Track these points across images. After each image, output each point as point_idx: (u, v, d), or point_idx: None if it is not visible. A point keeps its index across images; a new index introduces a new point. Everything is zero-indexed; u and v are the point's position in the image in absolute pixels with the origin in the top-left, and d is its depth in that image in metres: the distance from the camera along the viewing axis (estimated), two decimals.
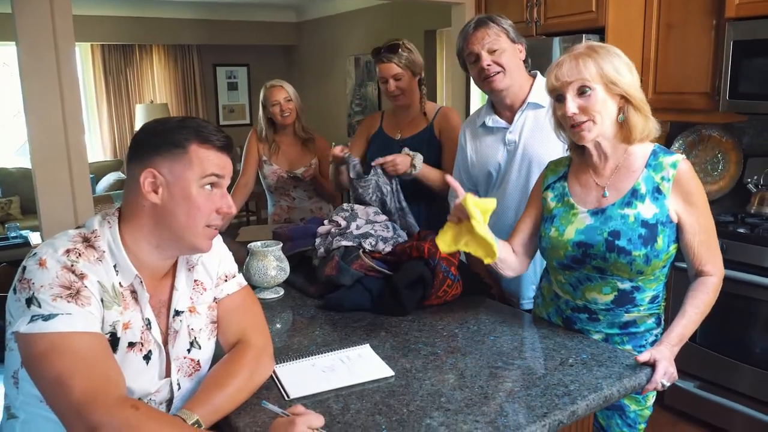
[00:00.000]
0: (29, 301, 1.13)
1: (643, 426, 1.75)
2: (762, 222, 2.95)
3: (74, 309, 1.14)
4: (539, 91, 2.07)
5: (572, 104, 1.55)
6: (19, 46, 3.27)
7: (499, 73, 2.04)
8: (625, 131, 1.60)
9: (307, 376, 1.49)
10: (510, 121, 2.13)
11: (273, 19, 7.96)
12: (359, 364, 1.54)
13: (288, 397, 1.39)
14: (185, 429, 1.15)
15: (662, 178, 1.59)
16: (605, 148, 1.63)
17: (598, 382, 1.44)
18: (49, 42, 3.27)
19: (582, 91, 1.54)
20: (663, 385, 1.50)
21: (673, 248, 1.62)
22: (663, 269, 1.65)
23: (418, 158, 2.44)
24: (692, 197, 1.59)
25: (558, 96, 1.59)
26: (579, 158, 1.71)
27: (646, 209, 1.59)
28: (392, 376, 1.48)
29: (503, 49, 2.03)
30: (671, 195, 1.59)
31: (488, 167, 2.19)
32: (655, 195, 1.59)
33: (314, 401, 1.37)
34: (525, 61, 2.14)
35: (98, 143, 7.74)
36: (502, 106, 2.15)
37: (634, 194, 1.61)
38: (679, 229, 1.61)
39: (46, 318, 1.12)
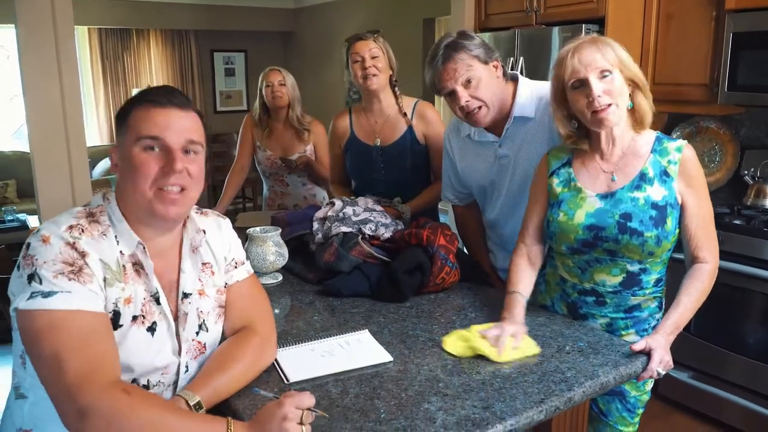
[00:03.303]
0: (31, 277, 1.14)
1: (641, 410, 1.77)
2: (758, 214, 2.97)
3: (75, 287, 1.15)
4: (524, 102, 1.98)
5: (598, 86, 1.56)
6: (18, 28, 3.26)
7: (480, 107, 1.91)
8: (635, 117, 1.64)
9: (307, 360, 1.50)
10: (498, 134, 2.03)
11: (271, 5, 7.92)
12: (358, 349, 1.55)
13: (288, 380, 1.41)
14: (177, 412, 1.14)
15: (669, 162, 1.63)
16: (615, 133, 1.65)
17: (595, 369, 1.45)
18: (48, 24, 3.26)
19: (604, 75, 1.57)
20: (658, 373, 1.52)
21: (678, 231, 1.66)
22: (669, 252, 1.67)
23: (406, 213, 2.44)
24: (695, 181, 1.63)
25: (576, 82, 1.59)
26: (587, 148, 1.72)
27: (656, 192, 1.62)
28: (390, 362, 1.49)
29: (479, 78, 1.88)
30: (677, 177, 1.62)
31: (481, 181, 2.12)
32: (663, 178, 1.63)
33: (313, 385, 1.38)
34: (504, 73, 1.99)
35: (95, 128, 7.70)
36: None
37: (642, 178, 1.64)
38: (680, 211, 1.64)
39: (46, 295, 1.12)
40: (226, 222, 1.50)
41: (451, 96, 1.91)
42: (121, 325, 1.23)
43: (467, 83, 1.88)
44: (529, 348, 1.55)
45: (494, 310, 1.81)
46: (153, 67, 7.91)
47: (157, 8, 7.32)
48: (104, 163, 6.99)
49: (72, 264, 1.16)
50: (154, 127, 1.23)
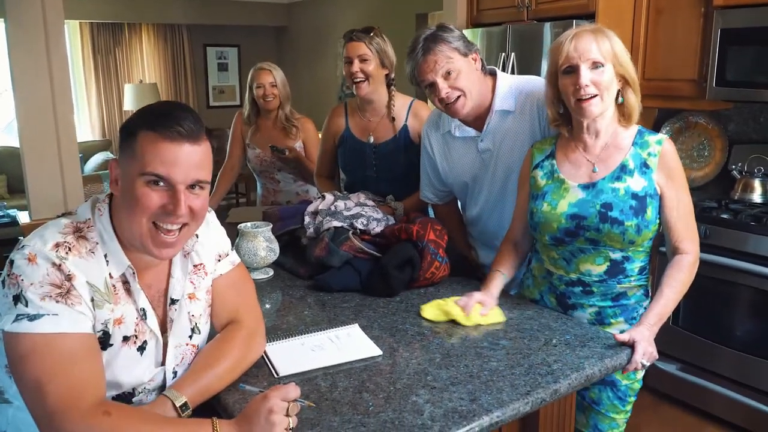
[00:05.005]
0: (17, 299, 1.12)
1: (633, 398, 1.80)
2: (745, 208, 3.00)
3: (62, 309, 1.13)
4: (504, 95, 1.98)
5: (586, 75, 1.60)
6: (7, 22, 3.24)
7: (459, 97, 1.90)
8: (623, 112, 1.69)
9: (297, 354, 1.51)
10: (479, 129, 2.03)
11: None
12: (348, 343, 1.57)
13: (277, 374, 1.42)
14: (160, 423, 1.14)
15: (649, 154, 1.68)
16: (599, 126, 1.69)
17: (581, 361, 1.48)
18: (38, 18, 3.25)
19: (596, 66, 1.60)
20: (643, 365, 1.55)
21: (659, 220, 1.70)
22: (650, 240, 1.71)
23: (399, 209, 2.42)
24: (674, 173, 1.67)
25: (568, 68, 1.63)
26: (567, 134, 1.76)
27: (635, 183, 1.66)
28: (380, 355, 1.51)
29: (458, 70, 1.88)
30: (657, 169, 1.66)
31: (463, 177, 2.11)
32: (643, 169, 1.67)
33: (303, 379, 1.40)
34: (482, 67, 1.99)
35: (86, 123, 7.67)
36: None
37: (623, 169, 1.68)
38: (661, 203, 1.68)
39: (32, 318, 1.11)
40: (212, 215, 1.47)
41: (431, 88, 1.92)
42: (111, 345, 1.22)
43: (447, 75, 1.89)
44: (496, 317, 1.71)
45: None
46: (145, 62, 7.87)
47: (149, 2, 7.28)
48: (96, 159, 6.97)
49: (60, 286, 1.14)
50: (161, 164, 1.16)
